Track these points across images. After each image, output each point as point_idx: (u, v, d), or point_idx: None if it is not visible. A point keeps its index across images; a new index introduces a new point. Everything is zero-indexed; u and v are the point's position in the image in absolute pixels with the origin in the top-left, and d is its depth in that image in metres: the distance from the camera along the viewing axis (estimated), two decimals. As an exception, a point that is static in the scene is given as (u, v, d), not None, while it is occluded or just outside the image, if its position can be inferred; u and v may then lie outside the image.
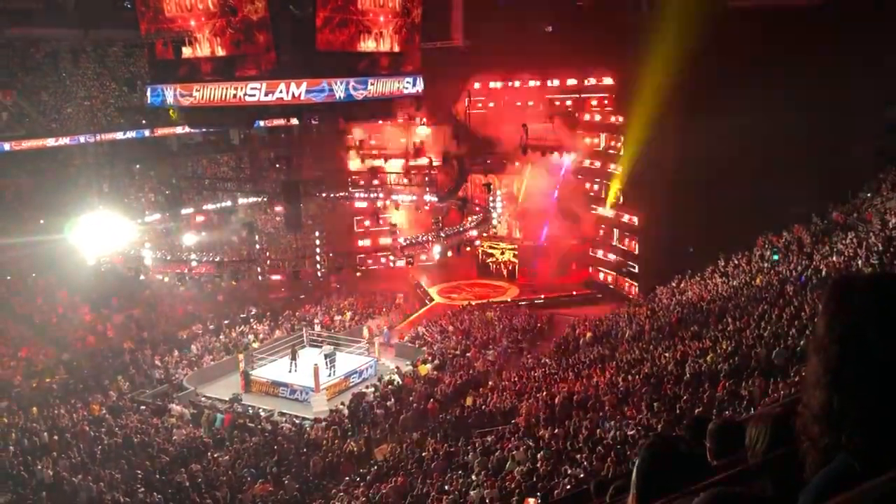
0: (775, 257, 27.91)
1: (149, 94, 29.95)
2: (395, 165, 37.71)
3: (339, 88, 26.51)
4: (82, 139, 33.35)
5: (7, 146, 31.28)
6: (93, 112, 34.38)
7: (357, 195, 37.79)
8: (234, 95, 26.41)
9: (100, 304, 32.02)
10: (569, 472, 14.77)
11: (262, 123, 32.98)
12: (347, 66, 27.34)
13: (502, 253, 40.80)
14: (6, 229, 29.68)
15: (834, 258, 23.54)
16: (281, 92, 25.85)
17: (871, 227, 24.67)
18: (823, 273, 22.65)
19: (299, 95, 25.89)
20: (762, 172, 28.21)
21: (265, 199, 35.49)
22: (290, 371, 28.75)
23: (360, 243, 39.19)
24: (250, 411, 25.92)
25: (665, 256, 31.44)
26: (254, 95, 26.07)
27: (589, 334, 27.23)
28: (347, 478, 20.18)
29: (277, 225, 37.47)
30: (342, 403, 25.42)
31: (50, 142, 32.63)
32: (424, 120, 37.91)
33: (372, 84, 27.76)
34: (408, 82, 29.53)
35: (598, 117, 36.16)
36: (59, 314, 31.30)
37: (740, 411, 14.43)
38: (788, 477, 1.61)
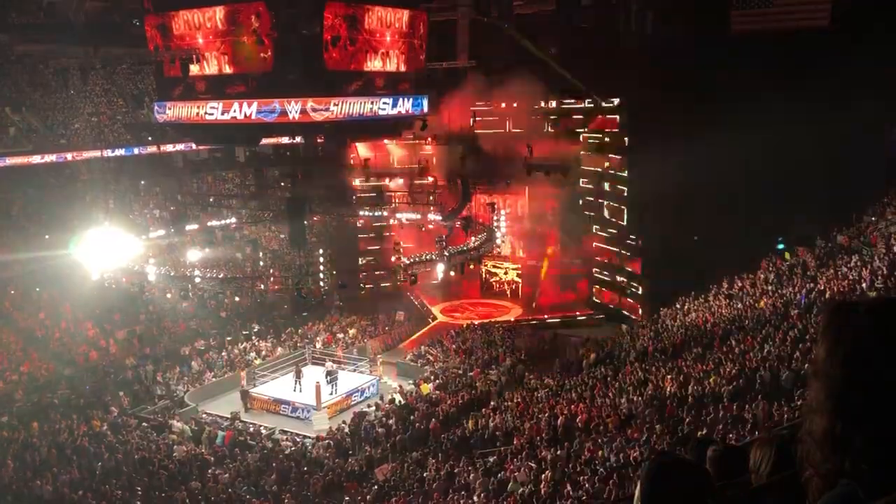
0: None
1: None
2: (400, 184, 37.82)
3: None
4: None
5: (12, 161, 31.38)
6: (100, 128, 34.56)
7: (361, 213, 37.86)
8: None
9: (103, 319, 32.01)
10: (571, 493, 14.68)
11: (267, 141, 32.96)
12: (340, 86, 26.40)
13: (506, 272, 40.79)
14: (12, 244, 29.76)
15: (838, 281, 23.47)
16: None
17: (875, 250, 24.60)
18: (827, 295, 22.57)
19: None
20: (766, 194, 28.20)
21: (270, 216, 35.53)
22: (294, 390, 28.63)
23: (364, 261, 39.20)
24: (251, 429, 25.82)
25: (668, 278, 31.34)
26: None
27: (592, 355, 27.13)
28: (348, 497, 20.07)
29: (281, 242, 37.55)
30: (344, 422, 25.32)
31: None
32: (430, 139, 38.03)
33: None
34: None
35: (603, 138, 36.22)
36: (63, 329, 31.28)
37: (744, 434, 14.36)
38: (792, 500, 1.61)
